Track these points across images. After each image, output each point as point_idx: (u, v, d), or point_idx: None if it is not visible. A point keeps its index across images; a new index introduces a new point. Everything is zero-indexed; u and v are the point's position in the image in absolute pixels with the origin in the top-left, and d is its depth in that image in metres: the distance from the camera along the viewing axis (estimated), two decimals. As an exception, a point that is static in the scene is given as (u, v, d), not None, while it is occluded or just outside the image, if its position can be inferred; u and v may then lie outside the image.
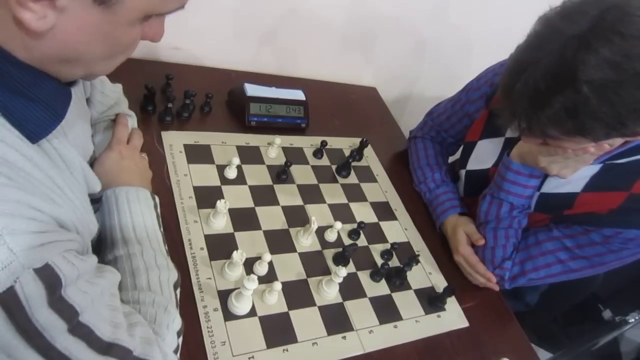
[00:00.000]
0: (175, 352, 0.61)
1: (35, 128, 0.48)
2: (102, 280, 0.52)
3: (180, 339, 0.63)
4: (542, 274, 0.94)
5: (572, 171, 0.85)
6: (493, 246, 0.97)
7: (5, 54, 0.44)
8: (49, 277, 0.43)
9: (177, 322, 0.63)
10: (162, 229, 0.74)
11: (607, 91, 0.63)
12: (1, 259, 0.40)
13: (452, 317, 0.95)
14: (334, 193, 1.07)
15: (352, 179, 1.13)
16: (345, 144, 1.21)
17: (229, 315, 0.78)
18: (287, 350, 0.77)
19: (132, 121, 0.88)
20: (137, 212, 0.70)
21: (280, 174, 1.03)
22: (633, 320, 1.43)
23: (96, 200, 0.67)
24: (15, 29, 0.42)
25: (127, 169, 0.76)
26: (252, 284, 0.75)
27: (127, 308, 0.58)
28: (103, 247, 0.69)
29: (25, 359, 0.43)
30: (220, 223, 0.89)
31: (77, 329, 0.46)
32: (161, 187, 0.89)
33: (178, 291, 0.68)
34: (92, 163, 0.69)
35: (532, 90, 0.68)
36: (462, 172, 1.10)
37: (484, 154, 1.04)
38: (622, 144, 0.81)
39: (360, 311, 0.87)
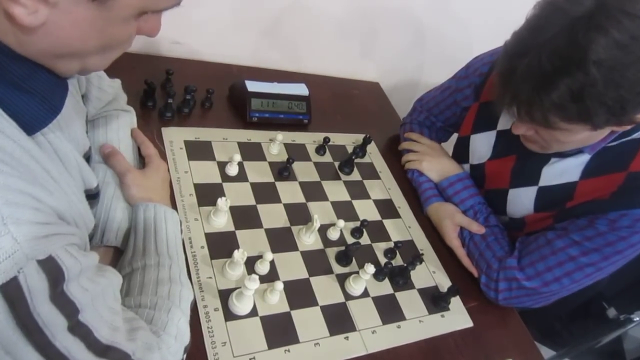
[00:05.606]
0: None
1: (32, 120, 0.47)
2: (103, 280, 0.51)
3: (185, 355, 0.62)
4: (558, 274, 0.89)
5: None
6: (487, 258, 0.98)
7: (0, 46, 0.43)
8: (52, 270, 0.42)
9: (186, 337, 0.62)
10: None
11: (613, 73, 0.63)
12: (5, 248, 0.39)
13: (457, 317, 0.93)
14: (336, 190, 1.06)
15: (355, 175, 1.11)
16: (348, 140, 1.19)
17: (229, 315, 0.76)
18: (288, 351, 0.76)
19: (131, 117, 0.87)
20: (172, 232, 0.73)
21: (282, 171, 1.02)
22: (638, 318, 1.42)
23: (92, 196, 0.66)
24: (7, 24, 0.42)
25: (162, 188, 0.81)
26: (253, 283, 0.74)
27: (130, 313, 0.57)
28: (127, 252, 0.69)
29: (24, 356, 0.42)
30: (221, 221, 0.87)
31: (77, 328, 0.45)
32: (161, 185, 0.88)
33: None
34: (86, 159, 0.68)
35: (537, 73, 0.67)
36: (466, 167, 1.09)
37: (479, 149, 1.04)
38: (608, 135, 0.81)
39: (363, 311, 0.86)
